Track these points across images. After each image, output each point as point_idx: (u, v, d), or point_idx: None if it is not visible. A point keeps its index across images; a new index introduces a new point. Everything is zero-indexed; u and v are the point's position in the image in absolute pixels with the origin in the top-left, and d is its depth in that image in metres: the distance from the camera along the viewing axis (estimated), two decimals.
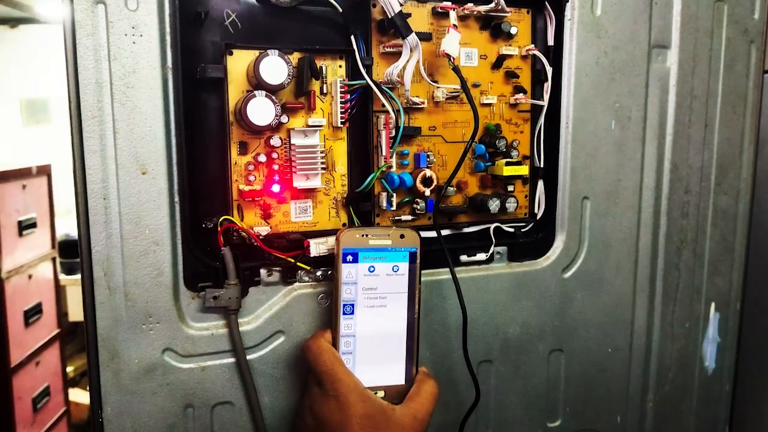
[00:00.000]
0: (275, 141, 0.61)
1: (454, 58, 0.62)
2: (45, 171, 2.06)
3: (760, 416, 0.91)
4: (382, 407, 0.57)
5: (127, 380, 0.58)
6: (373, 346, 0.61)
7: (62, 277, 2.38)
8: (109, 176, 0.55)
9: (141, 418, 0.59)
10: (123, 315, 0.57)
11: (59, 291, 2.18)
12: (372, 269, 0.60)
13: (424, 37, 0.65)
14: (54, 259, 2.12)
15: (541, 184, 0.72)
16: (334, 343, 0.60)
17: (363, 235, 0.60)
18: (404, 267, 0.61)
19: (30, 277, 1.97)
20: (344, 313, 0.60)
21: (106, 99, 0.54)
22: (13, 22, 3.08)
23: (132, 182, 0.56)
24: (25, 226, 1.94)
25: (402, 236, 0.60)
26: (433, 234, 0.66)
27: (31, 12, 2.87)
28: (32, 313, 1.97)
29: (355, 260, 0.59)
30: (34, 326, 1.99)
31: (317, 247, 0.62)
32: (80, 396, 2.52)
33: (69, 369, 2.43)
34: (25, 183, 1.96)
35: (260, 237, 0.61)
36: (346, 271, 0.59)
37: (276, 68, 0.58)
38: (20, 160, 2.06)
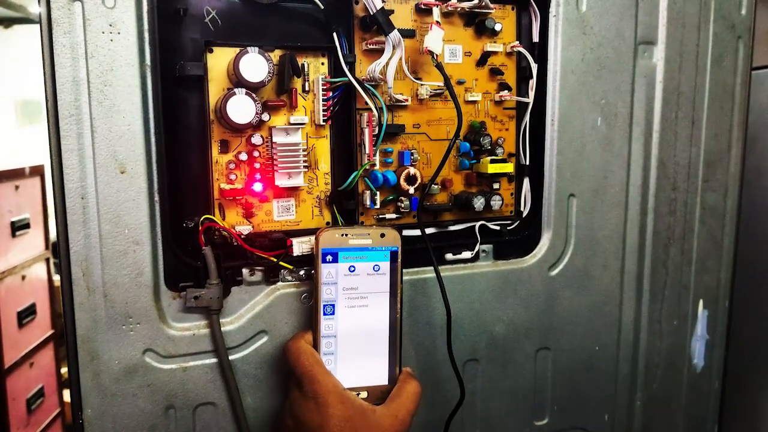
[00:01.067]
0: (256, 139, 0.60)
1: (437, 55, 0.62)
2: (38, 171, 2.05)
3: (749, 414, 0.91)
4: (362, 408, 0.57)
5: (107, 381, 0.58)
6: (355, 347, 0.60)
7: (56, 278, 2.38)
8: (87, 175, 0.55)
9: (122, 419, 0.59)
10: (102, 316, 0.57)
11: (53, 292, 2.17)
12: (352, 269, 0.59)
13: (407, 34, 0.64)
14: (47, 260, 2.12)
15: (526, 181, 0.72)
16: (315, 344, 0.59)
17: (342, 235, 0.59)
18: (385, 266, 0.60)
19: (23, 278, 1.97)
20: (325, 314, 0.59)
21: (84, 97, 0.54)
22: (6, 22, 3.08)
23: (110, 181, 0.55)
24: (18, 227, 1.93)
25: (382, 235, 0.60)
26: (417, 232, 0.65)
27: (25, 12, 2.86)
28: (26, 314, 1.96)
29: (335, 260, 0.59)
30: (28, 327, 1.98)
31: (300, 246, 0.61)
32: None
33: (63, 370, 2.42)
34: (18, 183, 1.95)
35: (242, 236, 0.60)
36: (326, 271, 0.59)
37: (256, 66, 0.57)
38: (13, 161, 2.05)
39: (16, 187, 1.95)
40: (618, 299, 0.77)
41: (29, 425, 1.99)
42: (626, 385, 0.80)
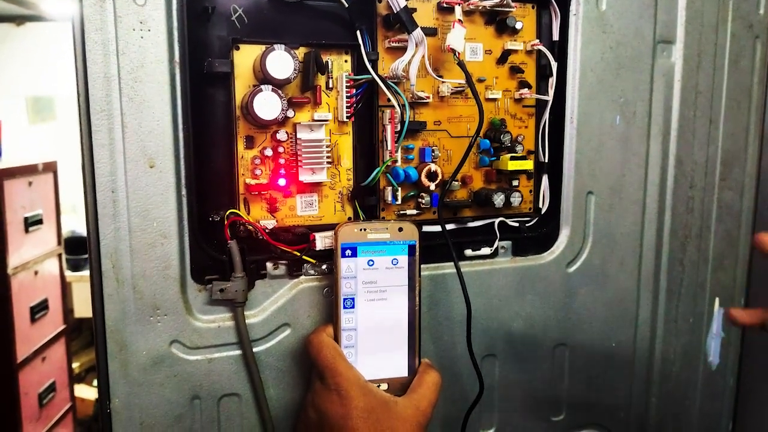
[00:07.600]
0: (281, 135, 0.61)
1: (459, 53, 0.62)
2: (51, 168, 2.08)
3: (764, 411, 0.91)
4: (384, 400, 0.58)
5: (135, 372, 0.59)
6: (375, 339, 0.61)
7: (68, 273, 2.40)
8: (117, 170, 0.56)
9: (148, 409, 0.60)
10: (131, 307, 0.58)
11: (65, 287, 2.19)
12: (371, 263, 0.60)
13: (430, 32, 0.65)
14: (60, 256, 2.14)
15: (545, 178, 0.73)
16: (336, 337, 0.60)
17: (361, 230, 0.60)
18: (403, 260, 0.61)
19: (36, 273, 1.99)
20: (345, 307, 0.60)
21: (115, 93, 0.55)
22: (19, 19, 3.09)
23: (140, 176, 0.56)
24: (31, 223, 1.95)
25: (400, 229, 0.61)
26: (437, 228, 0.66)
27: (36, 9, 2.88)
28: (38, 309, 1.98)
29: (354, 254, 0.60)
30: (40, 322, 2.00)
31: (323, 241, 0.62)
32: (86, 392, 2.54)
33: (74, 365, 2.44)
34: (31, 180, 1.97)
35: (266, 230, 0.61)
36: (346, 265, 0.60)
37: (282, 63, 0.58)
38: (26, 157, 2.07)
39: (30, 183, 1.97)
40: (635, 296, 0.78)
41: (41, 419, 2.01)
42: (642, 382, 0.80)
